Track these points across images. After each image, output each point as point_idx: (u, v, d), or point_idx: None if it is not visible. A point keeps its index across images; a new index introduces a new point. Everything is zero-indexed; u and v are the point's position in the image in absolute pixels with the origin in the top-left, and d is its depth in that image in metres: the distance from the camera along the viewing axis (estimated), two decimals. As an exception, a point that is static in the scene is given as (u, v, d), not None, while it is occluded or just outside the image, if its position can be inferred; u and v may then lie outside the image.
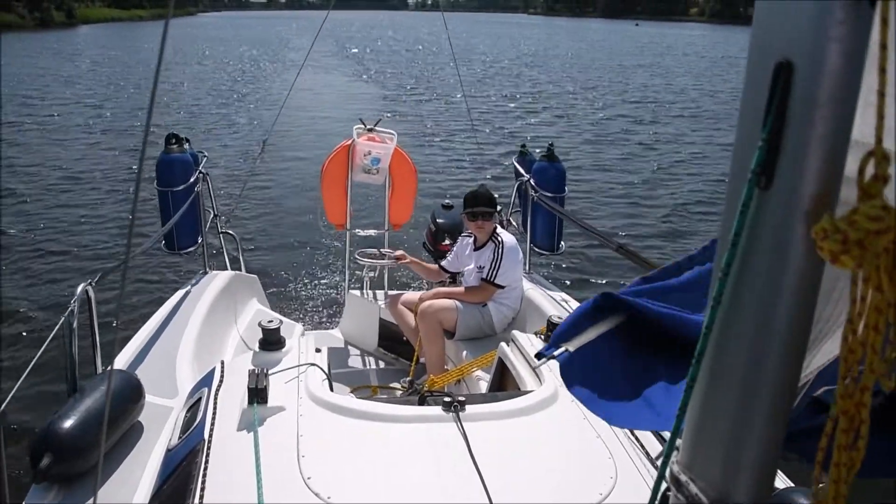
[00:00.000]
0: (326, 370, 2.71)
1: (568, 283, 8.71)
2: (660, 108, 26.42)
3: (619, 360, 1.59)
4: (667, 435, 0.96)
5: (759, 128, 0.75)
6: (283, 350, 2.86)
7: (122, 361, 3.74)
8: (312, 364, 2.68)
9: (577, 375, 1.47)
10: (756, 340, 0.81)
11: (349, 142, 5.86)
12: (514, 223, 6.15)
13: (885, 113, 0.67)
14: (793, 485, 2.29)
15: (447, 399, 2.43)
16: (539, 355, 1.41)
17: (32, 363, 2.80)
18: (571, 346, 1.47)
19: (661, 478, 0.96)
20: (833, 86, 0.70)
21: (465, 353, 4.57)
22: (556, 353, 1.45)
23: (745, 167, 0.77)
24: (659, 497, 0.98)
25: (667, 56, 53.75)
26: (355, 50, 53.15)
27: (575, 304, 3.98)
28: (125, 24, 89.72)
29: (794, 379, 0.83)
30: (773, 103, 0.74)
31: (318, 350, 2.89)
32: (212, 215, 5.89)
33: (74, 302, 3.16)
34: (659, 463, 2.19)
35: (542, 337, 3.14)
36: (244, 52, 48.61)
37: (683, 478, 0.92)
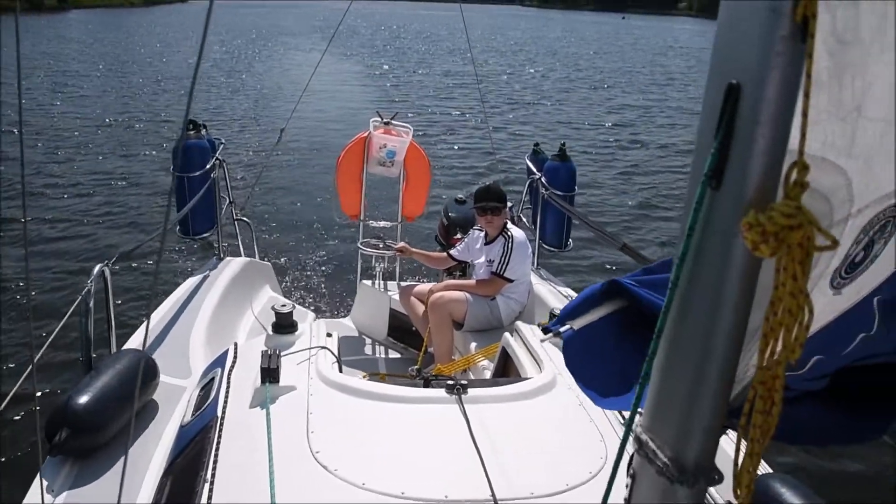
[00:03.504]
0: (336, 354, 2.81)
1: (574, 279, 8.81)
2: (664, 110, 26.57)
3: (616, 342, 1.71)
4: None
5: (713, 138, 0.88)
6: (296, 334, 2.96)
7: (136, 342, 3.86)
8: (323, 347, 2.78)
9: (577, 354, 1.58)
10: (707, 319, 0.94)
11: (365, 134, 5.95)
12: (524, 219, 6.24)
13: (806, 131, 0.80)
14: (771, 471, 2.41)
15: (450, 382, 2.53)
16: (546, 329, 1.54)
17: (49, 339, 2.91)
18: (576, 325, 1.59)
19: (625, 439, 1.08)
20: (772, 105, 0.82)
21: (472, 344, 4.67)
22: (561, 329, 1.56)
23: (700, 170, 0.90)
24: (625, 455, 1.11)
25: (667, 54, 53.99)
26: (368, 42, 53.32)
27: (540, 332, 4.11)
28: (116, 10, 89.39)
29: (737, 353, 0.95)
30: (723, 118, 0.86)
31: (329, 335, 2.99)
32: (227, 202, 5.98)
33: (91, 281, 3.27)
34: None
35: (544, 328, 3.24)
36: (246, 41, 48.81)
37: (644, 437, 1.06)
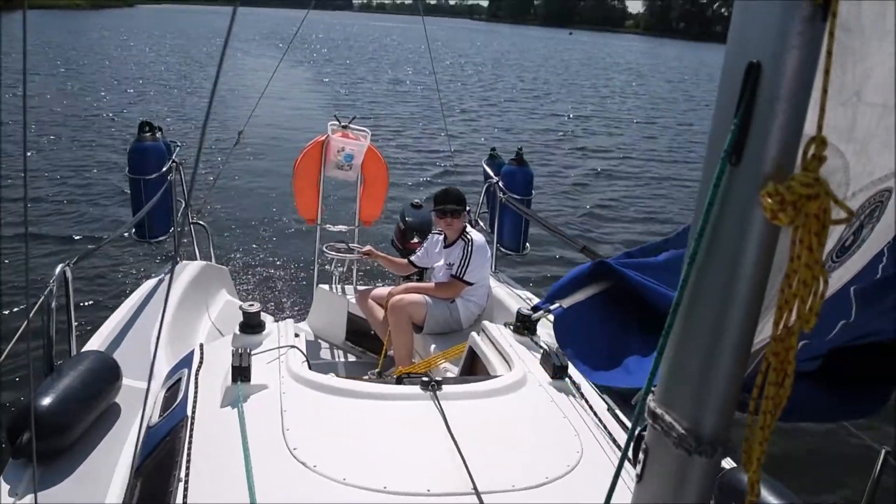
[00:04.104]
0: (305, 353, 2.81)
1: (532, 283, 8.90)
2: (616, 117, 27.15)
3: (603, 321, 1.77)
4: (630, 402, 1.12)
5: (732, 115, 0.92)
6: (264, 333, 2.94)
7: (96, 344, 3.80)
8: (293, 346, 2.78)
9: (567, 331, 1.64)
10: (724, 294, 0.97)
11: (323, 138, 5.95)
12: (481, 224, 6.29)
13: (826, 106, 0.85)
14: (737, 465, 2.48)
15: (425, 379, 2.54)
16: (535, 308, 1.59)
17: (13, 341, 2.86)
18: (565, 303, 1.65)
19: (640, 414, 1.12)
20: (791, 83, 0.87)
21: (432, 346, 4.69)
22: (551, 307, 1.62)
23: (719, 147, 0.94)
24: (636, 434, 1.16)
25: (615, 68, 55.13)
26: (326, 49, 53.17)
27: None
28: (63, 11, 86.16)
29: (752, 326, 0.99)
30: (743, 96, 0.90)
31: (296, 335, 2.98)
32: (183, 205, 5.93)
33: (53, 282, 3.22)
34: (621, 441, 2.36)
35: (512, 327, 3.28)
36: (196, 45, 48.39)
37: (660, 411, 1.09)
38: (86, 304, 7.47)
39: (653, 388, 1.11)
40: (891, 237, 1.30)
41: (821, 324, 1.26)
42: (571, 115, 26.85)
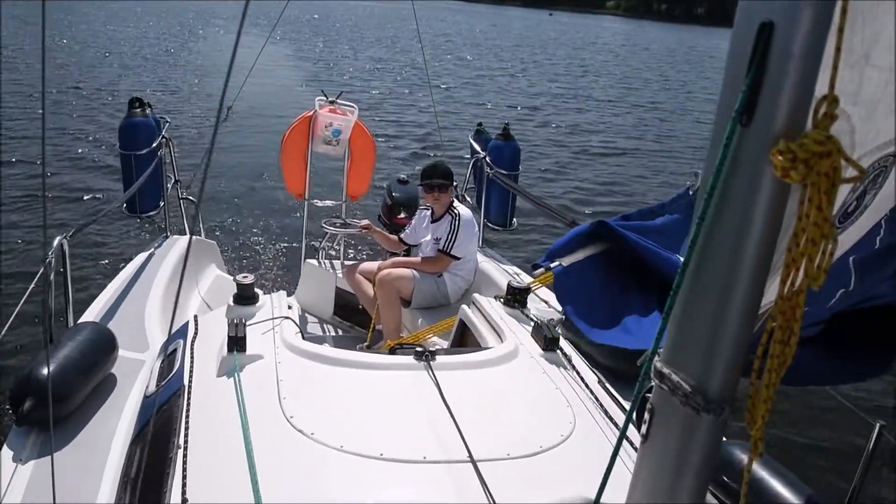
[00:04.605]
0: (298, 324, 2.86)
1: (519, 258, 8.98)
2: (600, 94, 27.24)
3: (602, 281, 1.83)
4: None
5: (743, 76, 0.93)
6: (257, 305, 2.99)
7: (91, 316, 3.85)
8: (286, 318, 2.83)
9: (568, 290, 1.70)
10: (732, 251, 0.99)
11: (311, 113, 5.96)
12: (468, 199, 6.34)
13: (839, 65, 0.86)
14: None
15: (419, 349, 2.58)
16: (535, 266, 1.63)
17: (14, 313, 2.91)
18: (565, 262, 1.70)
19: (645, 375, 1.14)
20: (804, 43, 0.87)
21: (420, 321, 4.76)
22: (551, 265, 1.67)
23: (729, 108, 0.95)
24: (641, 395, 1.18)
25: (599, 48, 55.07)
26: (312, 26, 52.71)
27: (527, 278, 4.22)
28: None
29: (760, 287, 1.01)
30: (755, 56, 0.91)
31: (289, 307, 3.03)
32: (173, 180, 5.95)
33: (52, 254, 3.26)
34: (612, 412, 2.42)
35: (502, 300, 3.32)
36: (181, 22, 47.96)
37: (667, 370, 1.11)
38: (79, 276, 7.53)
39: (659, 350, 1.13)
40: (892, 205, 1.30)
41: (821, 291, 1.28)
42: (555, 93, 26.95)
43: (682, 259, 1.08)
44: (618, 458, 1.22)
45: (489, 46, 48.75)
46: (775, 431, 5.70)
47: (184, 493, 1.89)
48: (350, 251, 7.87)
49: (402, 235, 5.44)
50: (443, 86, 26.32)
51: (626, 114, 23.96)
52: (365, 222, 5.62)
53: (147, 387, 2.86)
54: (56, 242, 3.39)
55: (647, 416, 1.18)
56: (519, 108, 22.87)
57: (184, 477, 1.96)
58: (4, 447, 2.72)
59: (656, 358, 1.14)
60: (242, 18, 1.25)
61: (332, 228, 5.86)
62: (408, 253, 5.68)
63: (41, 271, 3.19)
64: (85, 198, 10.71)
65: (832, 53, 0.87)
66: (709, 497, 2.41)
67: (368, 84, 25.62)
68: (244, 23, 1.25)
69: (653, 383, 1.15)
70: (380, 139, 14.42)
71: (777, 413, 5.86)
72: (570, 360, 2.73)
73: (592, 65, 41.52)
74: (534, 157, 15.34)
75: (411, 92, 24.01)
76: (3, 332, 2.78)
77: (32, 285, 3.09)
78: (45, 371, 2.75)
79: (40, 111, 16.59)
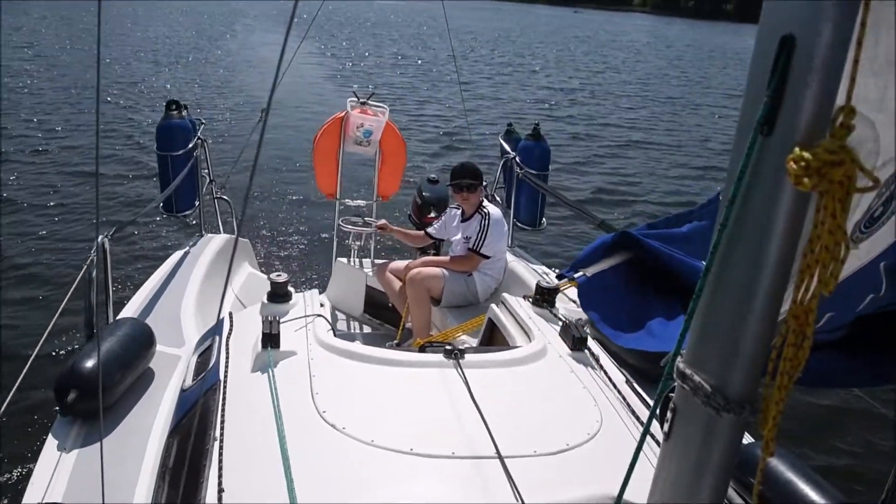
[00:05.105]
0: (331, 322, 2.92)
1: (549, 257, 9.00)
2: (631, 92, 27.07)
3: (626, 287, 1.86)
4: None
5: (765, 87, 0.95)
6: (290, 303, 3.06)
7: (129, 312, 3.97)
8: (319, 315, 2.89)
9: (592, 298, 1.73)
10: (753, 261, 1.01)
11: (342, 114, 6.03)
12: (498, 199, 6.36)
13: (857, 77, 0.88)
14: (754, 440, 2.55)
15: (448, 347, 2.63)
16: (560, 276, 1.67)
17: (60, 307, 3.01)
18: (589, 272, 1.74)
19: (668, 375, 1.17)
20: (825, 56, 0.89)
21: (449, 319, 4.80)
22: (575, 275, 1.71)
23: (751, 118, 0.98)
24: (664, 394, 1.20)
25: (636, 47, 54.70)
26: (343, 27, 53.08)
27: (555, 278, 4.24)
28: None
29: (780, 292, 1.03)
30: (777, 68, 0.93)
31: (322, 304, 3.09)
32: (208, 180, 6.07)
33: (94, 252, 3.36)
34: (639, 412, 2.44)
35: (531, 300, 3.35)
36: (211, 23, 48.58)
37: (689, 371, 1.13)
38: (117, 273, 7.72)
39: (681, 351, 1.15)
40: None
41: (850, 296, 1.29)
42: (585, 91, 26.84)
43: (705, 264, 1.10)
44: (643, 456, 1.24)
45: (520, 43, 48.65)
46: (806, 434, 5.68)
47: (220, 483, 1.96)
48: (382, 251, 7.94)
49: (429, 230, 5.49)
50: (471, 82, 26.35)
51: (642, 108, 23.96)
52: (381, 222, 5.68)
53: (184, 381, 2.94)
54: (98, 241, 3.49)
55: (669, 415, 1.20)
56: (547, 105, 22.88)
57: (220, 468, 2.02)
58: (49, 436, 2.82)
59: (679, 358, 1.16)
60: (290, 23, 1.29)
61: (348, 227, 5.95)
62: (436, 250, 5.73)
63: (84, 269, 3.29)
64: (124, 198, 10.93)
65: (852, 65, 0.89)
66: (735, 497, 2.43)
67: (398, 83, 25.75)
68: (290, 26, 1.28)
69: (675, 383, 1.17)
70: (411, 139, 14.50)
71: (808, 415, 5.86)
72: (597, 360, 2.75)
73: (622, 62, 41.35)
74: (562, 152, 15.32)
75: (439, 89, 24.14)
76: (50, 327, 2.88)
77: (76, 283, 3.19)
78: (88, 364, 2.85)
79: (84, 112, 16.92)
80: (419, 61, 33.61)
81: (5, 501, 4.36)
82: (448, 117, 19.47)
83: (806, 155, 0.87)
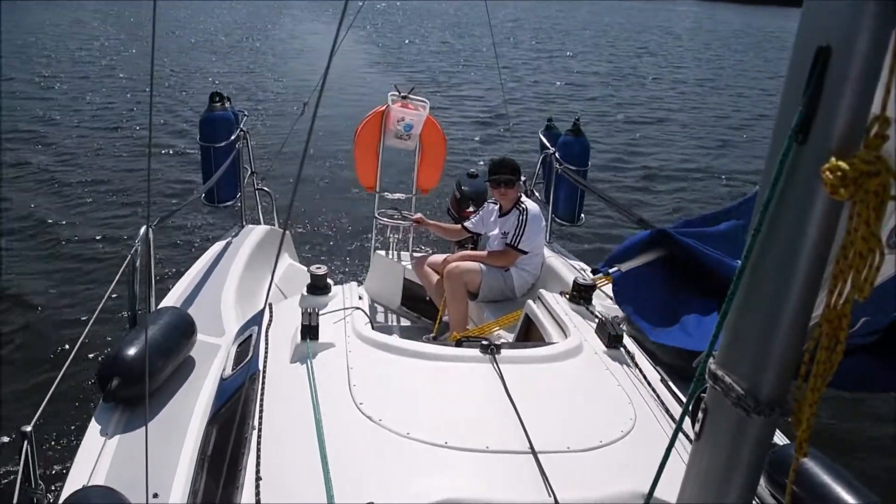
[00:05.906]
0: (368, 315, 2.95)
1: (587, 253, 8.96)
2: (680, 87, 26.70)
3: (661, 284, 1.88)
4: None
5: (800, 96, 0.97)
6: (329, 295, 3.10)
7: (171, 301, 4.05)
8: (357, 308, 2.93)
9: (627, 293, 1.75)
10: (785, 266, 1.03)
11: (383, 108, 6.07)
12: (536, 194, 6.36)
13: (892, 87, 0.88)
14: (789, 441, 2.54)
15: (484, 343, 2.64)
16: (595, 271, 1.69)
17: (106, 296, 3.09)
18: (623, 267, 1.76)
19: (700, 376, 1.18)
20: (860, 66, 0.91)
21: (486, 314, 4.82)
22: (610, 270, 1.73)
23: (786, 126, 0.99)
24: (695, 395, 1.22)
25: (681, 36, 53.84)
26: (386, 19, 53.25)
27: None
28: None
29: (812, 297, 1.04)
30: (812, 78, 0.95)
31: (360, 297, 3.13)
32: (249, 172, 6.15)
33: (138, 242, 3.43)
34: (673, 410, 2.43)
35: (568, 296, 3.35)
36: (254, 12, 49.26)
37: (720, 373, 1.15)
38: (160, 263, 7.88)
39: (713, 353, 1.17)
40: None
41: (886, 301, 1.28)
42: (629, 83, 26.49)
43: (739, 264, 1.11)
44: (675, 455, 1.26)
45: (561, 34, 48.23)
46: (844, 436, 5.59)
47: (258, 470, 2.00)
48: (420, 244, 7.98)
49: (466, 224, 5.50)
50: (512, 73, 26.22)
51: (689, 98, 23.66)
52: (417, 216, 5.70)
53: (224, 370, 3.00)
54: (142, 231, 3.56)
55: (700, 415, 1.22)
56: (589, 98, 22.63)
57: (258, 456, 2.07)
58: (92, 421, 2.90)
59: (711, 360, 1.18)
60: (340, 22, 1.30)
61: (385, 220, 5.99)
62: (475, 244, 5.74)
63: (128, 258, 3.36)
64: (169, 188, 11.17)
65: (888, 75, 0.89)
66: (767, 498, 2.42)
67: (439, 77, 25.71)
68: (341, 23, 1.30)
69: (707, 384, 1.18)
70: (451, 132, 14.51)
71: (846, 418, 5.77)
72: (633, 358, 2.75)
73: (673, 51, 40.72)
74: (602, 145, 15.22)
75: (483, 85, 24.01)
76: (96, 315, 2.95)
77: (121, 271, 3.26)
78: (131, 352, 2.91)
79: (140, 102, 17.27)
80: (461, 54, 33.53)
81: (51, 485, 4.49)
82: (488, 104, 19.54)
83: (842, 165, 0.88)
